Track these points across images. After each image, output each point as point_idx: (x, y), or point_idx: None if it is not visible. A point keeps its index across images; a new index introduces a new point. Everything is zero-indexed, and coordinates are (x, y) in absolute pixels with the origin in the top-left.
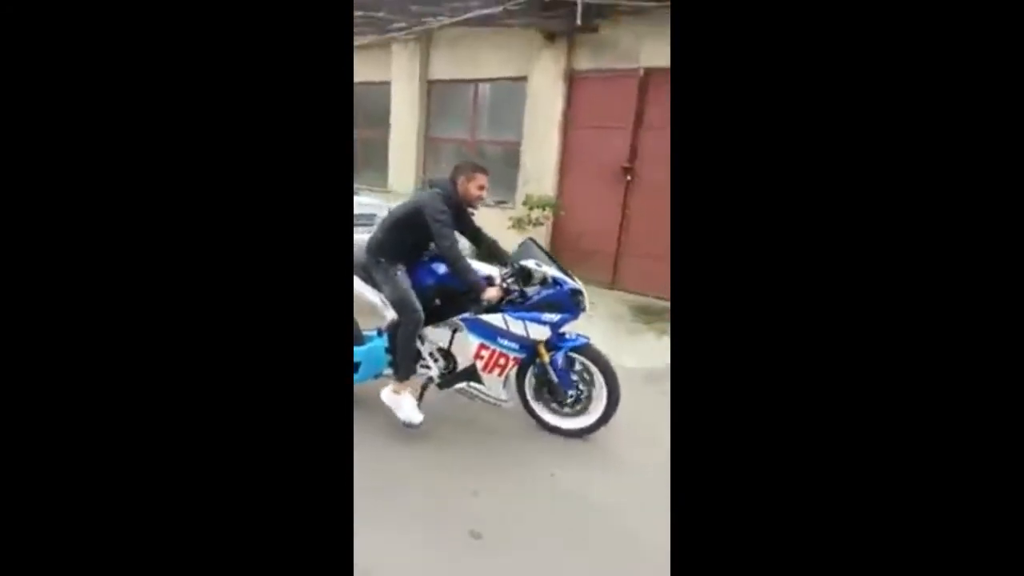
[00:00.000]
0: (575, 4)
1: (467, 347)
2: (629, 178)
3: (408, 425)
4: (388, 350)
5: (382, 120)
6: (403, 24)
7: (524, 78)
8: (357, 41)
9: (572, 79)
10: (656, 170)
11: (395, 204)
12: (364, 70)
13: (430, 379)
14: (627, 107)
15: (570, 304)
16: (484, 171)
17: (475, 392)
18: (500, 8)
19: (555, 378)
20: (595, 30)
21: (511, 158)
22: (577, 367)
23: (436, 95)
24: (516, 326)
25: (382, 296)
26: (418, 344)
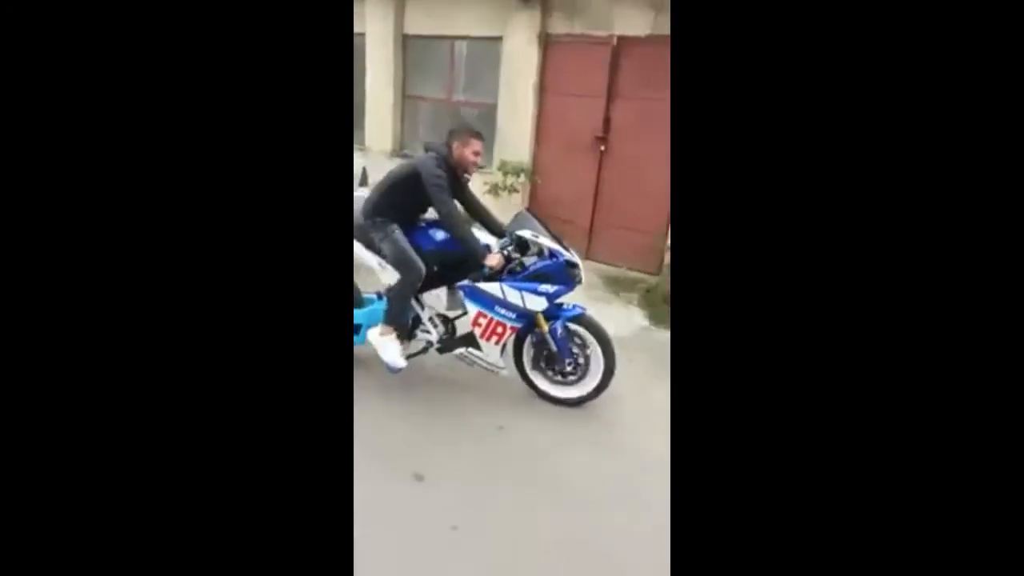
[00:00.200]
0: None
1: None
2: (603, 148)
3: (391, 369)
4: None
5: (357, 75)
6: None
7: (499, 38)
8: None
9: (547, 43)
10: (627, 141)
11: (368, 162)
12: None
13: (429, 343)
14: (600, 76)
15: (565, 276)
16: (480, 136)
17: (474, 358)
18: None
19: (554, 347)
20: None
21: (488, 120)
22: (575, 337)
23: (412, 50)
24: (513, 296)
25: (380, 260)
26: (417, 309)
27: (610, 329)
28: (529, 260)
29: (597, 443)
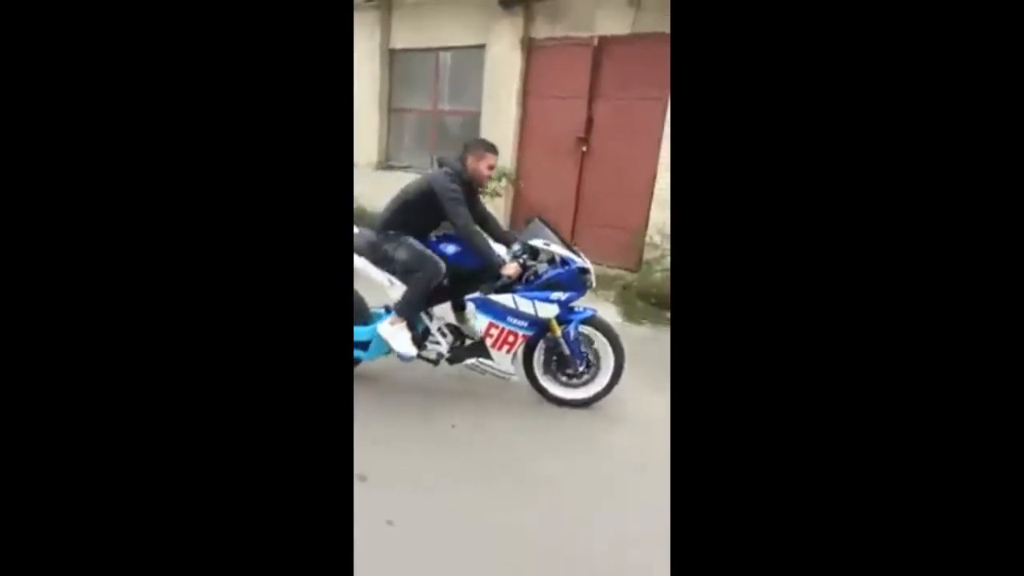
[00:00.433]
0: None
1: (475, 324)
2: (584, 149)
3: (402, 357)
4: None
5: None
6: None
7: (483, 46)
8: None
9: (530, 48)
10: (608, 141)
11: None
12: None
13: (440, 355)
14: (582, 77)
15: (578, 283)
16: (494, 150)
17: (485, 367)
18: None
19: (567, 351)
20: None
21: (471, 128)
22: (585, 338)
23: (398, 64)
24: (525, 305)
25: (390, 276)
26: (426, 320)
27: None
28: (541, 268)
29: (570, 439)
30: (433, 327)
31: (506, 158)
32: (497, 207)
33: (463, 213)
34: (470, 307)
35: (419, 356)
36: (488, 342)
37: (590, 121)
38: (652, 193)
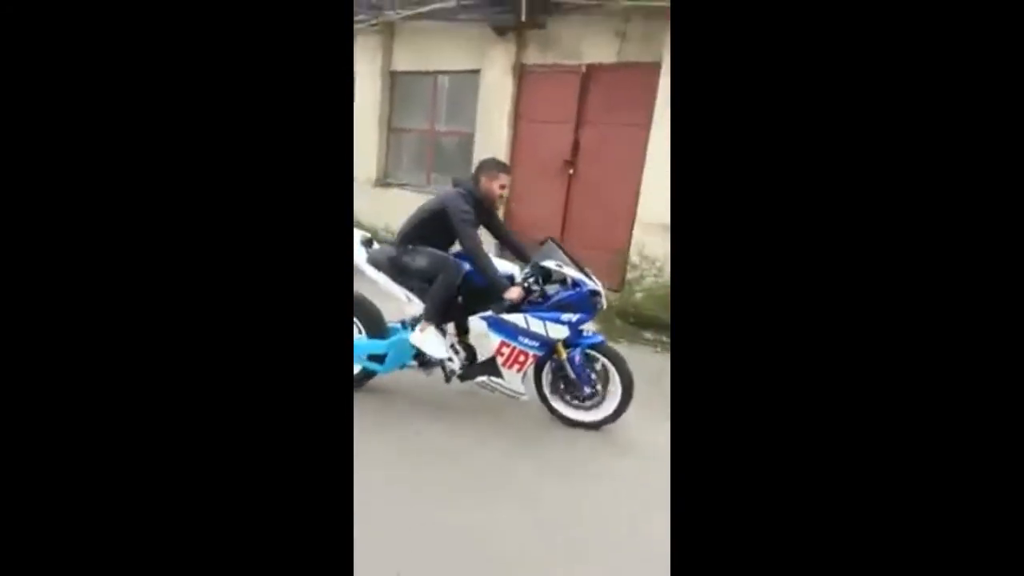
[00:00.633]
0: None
1: (485, 342)
2: (571, 171)
3: (430, 362)
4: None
5: None
6: (364, 16)
7: (478, 71)
8: None
9: (522, 73)
10: (593, 164)
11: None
12: None
13: (452, 372)
14: (570, 102)
15: (588, 305)
16: (507, 170)
17: (495, 385)
18: (454, 3)
19: (572, 374)
20: (543, 26)
21: (465, 148)
22: (594, 364)
23: (399, 86)
24: (536, 325)
25: (407, 292)
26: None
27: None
28: (552, 289)
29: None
30: (446, 344)
31: None
32: None
33: (472, 235)
34: (481, 326)
35: (445, 363)
36: (499, 360)
37: (576, 145)
38: (634, 215)
